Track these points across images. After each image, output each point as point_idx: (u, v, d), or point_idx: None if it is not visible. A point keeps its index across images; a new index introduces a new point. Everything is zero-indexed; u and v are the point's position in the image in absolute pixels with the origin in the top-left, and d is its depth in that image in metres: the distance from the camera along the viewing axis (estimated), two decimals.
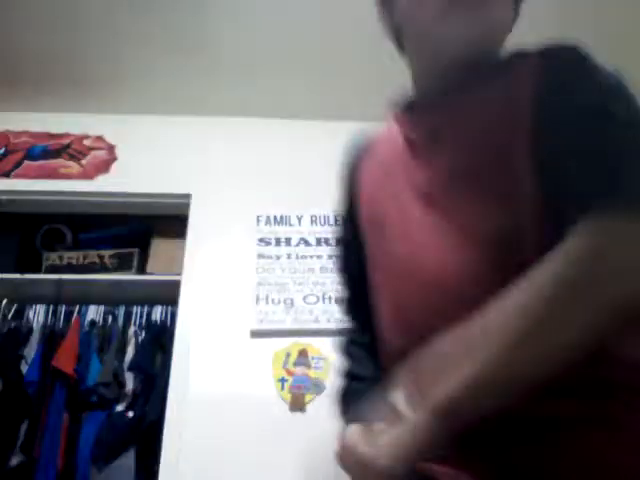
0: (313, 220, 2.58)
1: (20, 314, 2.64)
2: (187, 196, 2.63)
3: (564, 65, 0.70)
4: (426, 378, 0.64)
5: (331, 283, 2.41)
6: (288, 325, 2.31)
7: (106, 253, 2.77)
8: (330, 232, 2.54)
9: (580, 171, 0.63)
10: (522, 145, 0.67)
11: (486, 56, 0.77)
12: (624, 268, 0.59)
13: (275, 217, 2.58)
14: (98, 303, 2.67)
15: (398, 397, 0.66)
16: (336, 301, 2.37)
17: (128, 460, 2.26)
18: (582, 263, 0.59)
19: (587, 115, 0.65)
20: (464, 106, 0.77)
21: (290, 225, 2.56)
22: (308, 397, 2.21)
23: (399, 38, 0.86)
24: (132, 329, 2.60)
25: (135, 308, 2.67)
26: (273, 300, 2.36)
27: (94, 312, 2.66)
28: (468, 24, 0.73)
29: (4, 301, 2.63)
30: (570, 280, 0.59)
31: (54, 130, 2.79)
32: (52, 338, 2.51)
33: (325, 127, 2.85)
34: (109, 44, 2.51)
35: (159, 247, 2.77)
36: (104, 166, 2.71)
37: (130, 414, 2.36)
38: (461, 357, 0.62)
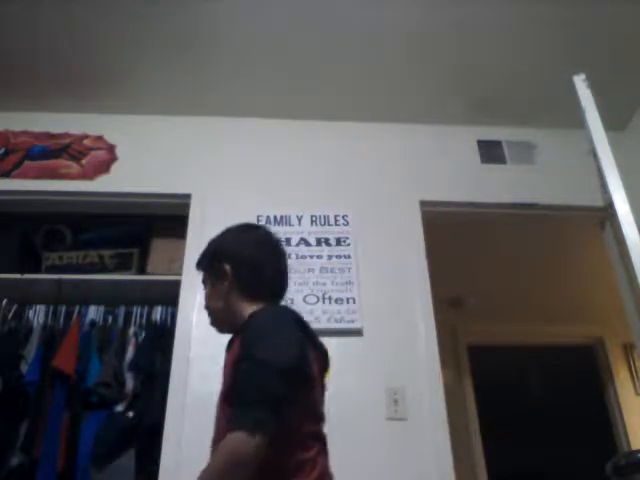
0: (313, 220, 2.58)
1: (20, 314, 2.63)
2: (187, 196, 2.63)
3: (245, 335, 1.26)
4: None
5: (331, 283, 2.41)
6: None
7: (106, 253, 2.77)
8: (330, 232, 2.54)
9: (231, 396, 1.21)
10: (231, 371, 1.25)
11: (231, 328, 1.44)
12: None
13: (275, 217, 2.57)
14: (98, 303, 2.67)
15: None
16: (336, 301, 2.38)
17: (128, 460, 2.25)
18: (223, 455, 1.16)
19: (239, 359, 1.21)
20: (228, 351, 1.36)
21: (290, 225, 2.56)
22: None
23: None
24: (132, 329, 2.59)
25: (135, 308, 2.66)
26: None
27: (94, 312, 2.65)
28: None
29: (4, 301, 2.62)
30: (216, 465, 1.17)
31: (54, 130, 2.79)
32: (52, 338, 2.51)
33: (325, 127, 2.86)
34: (109, 44, 2.52)
35: (159, 247, 2.77)
36: (104, 166, 2.71)
37: (130, 414, 2.35)
38: None
